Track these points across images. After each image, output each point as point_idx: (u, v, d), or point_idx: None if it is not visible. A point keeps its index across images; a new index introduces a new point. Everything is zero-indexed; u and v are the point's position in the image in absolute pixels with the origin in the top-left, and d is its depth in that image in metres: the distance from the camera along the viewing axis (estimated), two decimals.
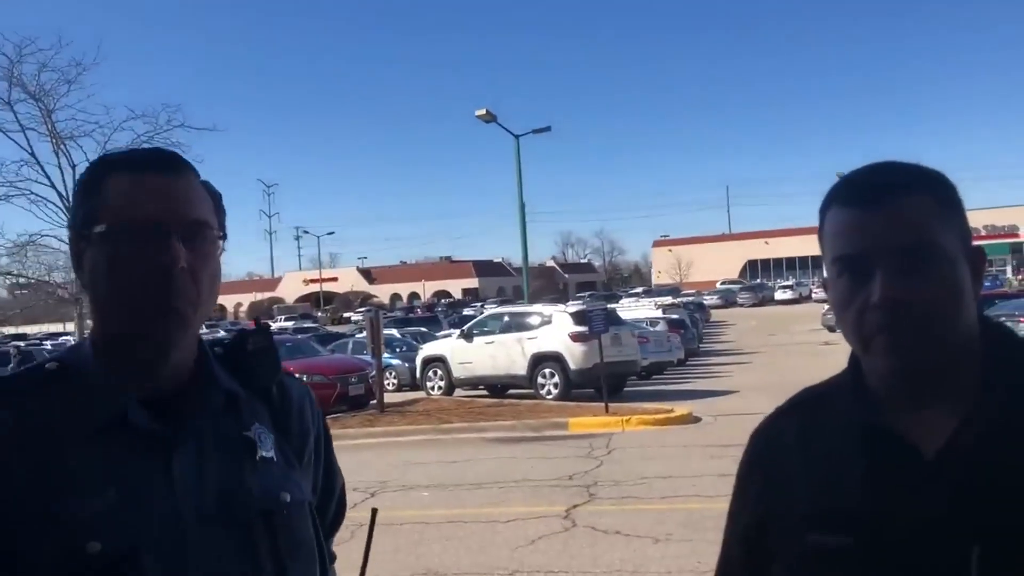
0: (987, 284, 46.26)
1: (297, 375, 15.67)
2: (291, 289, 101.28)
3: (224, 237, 1.19)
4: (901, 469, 1.04)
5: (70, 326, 18.33)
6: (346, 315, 72.63)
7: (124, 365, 1.13)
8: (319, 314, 72.74)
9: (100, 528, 1.01)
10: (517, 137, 24.86)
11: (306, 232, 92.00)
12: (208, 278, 1.14)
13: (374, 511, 1.44)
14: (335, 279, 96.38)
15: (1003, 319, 19.30)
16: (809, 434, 1.17)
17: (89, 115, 15.83)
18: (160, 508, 1.06)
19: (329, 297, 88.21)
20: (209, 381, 1.18)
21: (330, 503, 1.38)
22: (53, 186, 15.57)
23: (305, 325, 49.93)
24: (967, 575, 0.97)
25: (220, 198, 1.22)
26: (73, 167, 15.54)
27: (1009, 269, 69.25)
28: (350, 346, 25.45)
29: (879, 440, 1.07)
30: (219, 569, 1.08)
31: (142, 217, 1.10)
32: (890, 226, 1.04)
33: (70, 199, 15.23)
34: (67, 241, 1.23)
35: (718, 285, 73.68)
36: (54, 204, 15.71)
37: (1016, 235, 77.65)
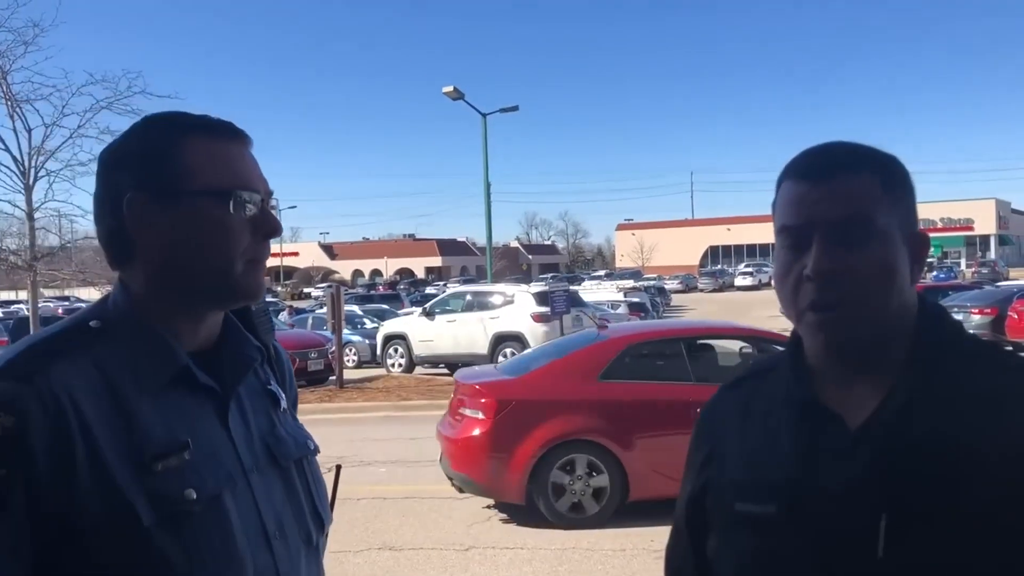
0: (941, 276, 47.26)
1: None
2: None
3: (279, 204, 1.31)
4: (826, 441, 1.07)
5: (23, 294, 17.86)
6: (306, 290, 72.01)
7: (191, 321, 1.18)
8: (279, 289, 71.91)
9: (192, 477, 1.08)
10: (484, 115, 24.72)
11: None
12: None
13: (338, 467, 1.49)
14: (296, 254, 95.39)
15: (955, 310, 19.67)
16: (748, 407, 1.20)
17: (47, 78, 15.35)
18: (227, 457, 1.14)
19: (289, 272, 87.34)
20: (243, 338, 1.25)
21: None
22: (7, 149, 15.12)
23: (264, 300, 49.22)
24: (876, 543, 1.00)
25: None
26: (29, 131, 15.08)
27: (963, 261, 70.53)
28: (309, 321, 25.26)
29: (808, 412, 1.10)
30: (277, 510, 1.19)
31: (251, 186, 1.18)
32: (831, 200, 1.07)
33: (26, 163, 14.94)
34: (96, 198, 1.20)
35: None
36: (8, 168, 15.29)
37: (971, 228, 79.10)
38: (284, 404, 1.31)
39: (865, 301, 1.05)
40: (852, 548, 1.02)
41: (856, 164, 1.09)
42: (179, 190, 1.14)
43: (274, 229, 1.19)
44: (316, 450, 1.34)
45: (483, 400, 7.19)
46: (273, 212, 1.21)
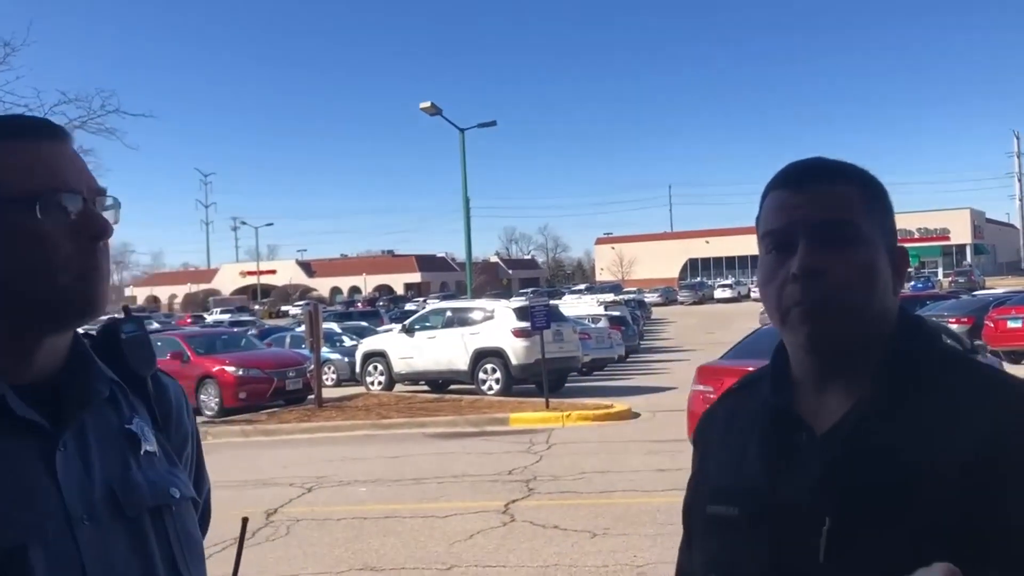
0: (919, 285, 47.72)
1: (233, 369, 15.27)
2: (227, 281, 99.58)
3: (119, 204, 1.12)
4: (793, 447, 1.10)
5: None
6: (284, 308, 71.68)
7: (19, 347, 1.04)
8: (256, 307, 71.48)
9: None
10: (462, 131, 24.74)
11: (244, 223, 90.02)
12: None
13: (244, 520, 1.41)
14: (273, 272, 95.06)
15: (933, 320, 19.83)
16: (733, 417, 1.24)
17: (18, 98, 15.23)
18: (45, 504, 0.99)
19: (267, 290, 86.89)
20: (90, 369, 1.10)
21: (198, 508, 1.30)
22: None
23: (241, 318, 48.95)
24: (819, 549, 1.02)
25: None
26: None
27: (940, 271, 71.24)
28: (288, 340, 25.10)
29: (780, 419, 1.13)
30: (114, 566, 1.03)
31: (66, 186, 1.03)
32: (815, 204, 1.11)
33: None
34: None
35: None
36: None
37: (947, 238, 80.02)
38: (149, 447, 1.13)
39: (849, 298, 1.07)
40: (798, 553, 1.04)
41: (838, 175, 1.13)
42: None
43: (101, 230, 1.05)
44: (185, 498, 1.16)
45: None
46: (105, 212, 1.07)
